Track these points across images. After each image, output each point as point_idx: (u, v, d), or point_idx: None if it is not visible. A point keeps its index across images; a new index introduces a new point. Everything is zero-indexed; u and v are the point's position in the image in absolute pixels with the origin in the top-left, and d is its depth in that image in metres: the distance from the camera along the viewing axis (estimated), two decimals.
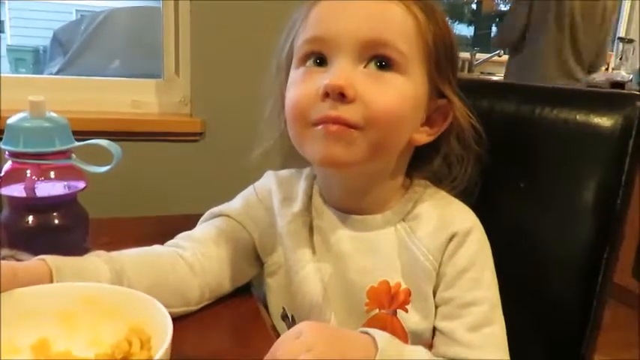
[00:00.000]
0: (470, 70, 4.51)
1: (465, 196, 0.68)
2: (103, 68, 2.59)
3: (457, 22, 5.81)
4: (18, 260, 0.57)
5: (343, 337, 0.50)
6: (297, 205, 0.67)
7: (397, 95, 0.57)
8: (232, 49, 1.27)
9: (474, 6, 5.79)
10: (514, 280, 0.73)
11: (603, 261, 0.69)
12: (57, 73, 2.72)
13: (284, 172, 0.72)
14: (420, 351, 0.55)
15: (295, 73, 0.60)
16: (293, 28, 0.62)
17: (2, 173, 0.63)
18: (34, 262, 0.53)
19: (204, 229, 0.70)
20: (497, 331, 0.59)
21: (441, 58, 0.61)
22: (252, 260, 0.70)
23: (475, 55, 4.53)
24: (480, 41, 5.39)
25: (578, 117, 0.73)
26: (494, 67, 4.61)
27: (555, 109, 0.75)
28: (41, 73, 4.68)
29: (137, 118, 1.27)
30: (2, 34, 6.81)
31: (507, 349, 0.60)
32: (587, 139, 0.72)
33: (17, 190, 0.64)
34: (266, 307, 0.71)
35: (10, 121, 0.61)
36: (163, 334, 0.43)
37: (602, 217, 0.69)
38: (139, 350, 0.46)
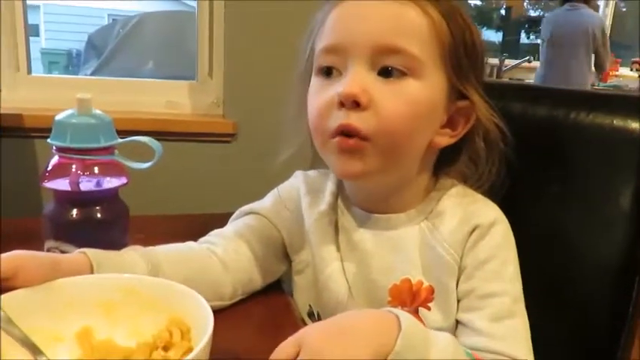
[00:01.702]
0: (498, 77, 4.46)
1: (491, 195, 0.67)
2: (135, 71, 2.64)
3: (485, 28, 5.76)
4: (62, 252, 0.61)
5: (347, 332, 0.48)
6: (324, 204, 0.68)
7: (410, 102, 0.57)
8: (265, 51, 1.29)
9: (502, 12, 5.73)
10: (546, 285, 0.73)
11: (637, 265, 0.68)
12: (91, 75, 2.80)
13: (312, 173, 0.73)
14: (445, 335, 0.53)
15: (314, 82, 0.62)
16: (313, 31, 0.63)
17: (49, 167, 0.65)
18: (76, 255, 0.55)
19: (236, 226, 0.71)
20: (519, 325, 0.58)
21: (460, 58, 0.60)
22: (282, 257, 0.71)
23: (504, 61, 4.49)
24: (509, 47, 5.33)
25: (614, 122, 0.73)
26: (523, 73, 4.57)
27: (591, 113, 0.75)
28: (74, 75, 4.83)
29: (171, 119, 1.30)
30: (37, 38, 7.01)
31: (531, 346, 0.58)
32: (623, 144, 0.71)
33: (62, 184, 0.66)
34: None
35: (58, 117, 0.63)
36: (204, 325, 0.44)
37: (638, 222, 0.68)
38: (180, 340, 0.47)
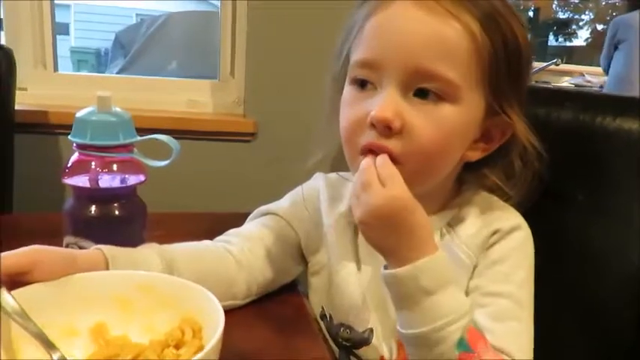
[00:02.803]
0: None
1: (517, 206, 0.66)
2: (161, 69, 2.68)
3: None
4: (81, 247, 0.62)
5: (409, 229, 0.53)
6: (344, 206, 0.68)
7: (444, 127, 0.56)
8: (287, 51, 1.30)
9: (530, 13, 5.67)
10: (569, 294, 0.73)
11: None
12: (117, 73, 2.86)
13: (333, 175, 0.73)
14: (462, 298, 0.55)
15: (347, 91, 0.61)
16: (350, 35, 0.62)
17: (69, 164, 0.67)
18: (92, 251, 0.56)
19: (253, 226, 0.72)
20: (523, 330, 0.58)
21: (500, 78, 0.58)
22: (298, 258, 0.72)
23: None
24: (537, 49, 5.30)
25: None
26: (549, 76, 4.50)
27: (618, 117, 0.73)
28: (102, 73, 4.97)
29: (192, 117, 1.32)
30: (66, 37, 7.16)
31: (531, 355, 0.57)
32: None
33: (82, 181, 0.68)
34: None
35: (78, 114, 0.65)
36: (215, 325, 0.44)
37: None
38: (191, 339, 0.47)
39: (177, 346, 0.48)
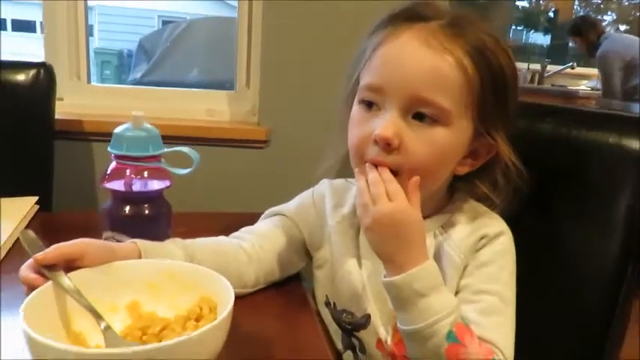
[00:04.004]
0: (540, 83, 4.33)
1: (500, 213, 0.73)
2: (183, 74, 2.72)
3: (533, 31, 5.55)
4: (117, 241, 0.70)
5: (407, 240, 0.61)
6: (347, 209, 0.75)
7: (436, 146, 0.62)
8: (297, 66, 1.33)
9: (551, 14, 5.49)
10: (545, 287, 0.78)
11: (627, 273, 0.71)
12: (141, 78, 2.92)
13: (338, 181, 0.79)
14: (451, 298, 0.61)
15: (356, 110, 0.67)
16: (361, 60, 0.68)
17: (108, 171, 0.76)
18: (128, 244, 0.64)
19: (264, 225, 0.79)
20: (506, 323, 0.64)
21: (487, 106, 0.64)
22: (302, 254, 0.79)
23: (546, 67, 4.36)
24: (556, 51, 5.11)
25: (610, 139, 0.76)
26: (565, 79, 4.41)
27: (591, 131, 0.78)
28: (124, 74, 4.88)
29: (211, 126, 1.36)
30: (90, 38, 7.23)
31: (513, 346, 0.63)
32: (618, 161, 0.74)
33: (118, 185, 0.76)
34: (313, 296, 0.79)
35: (116, 130, 0.74)
36: (227, 303, 0.51)
37: (629, 234, 0.71)
38: (208, 314, 0.55)
39: (196, 320, 0.55)
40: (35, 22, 8.73)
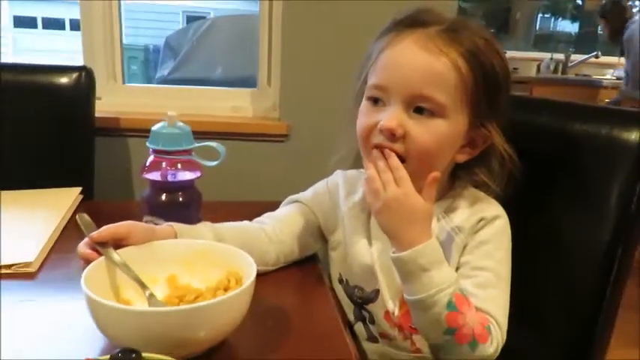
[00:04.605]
0: (564, 72, 4.27)
1: (497, 199, 0.79)
2: (208, 71, 2.75)
3: (560, 19, 5.44)
4: (156, 224, 0.77)
5: (412, 220, 0.67)
6: (358, 196, 0.82)
7: (435, 136, 0.69)
8: (315, 65, 1.38)
9: (579, 1, 5.37)
10: (541, 269, 0.83)
11: (617, 258, 0.76)
12: (168, 75, 2.93)
13: (351, 172, 0.85)
14: (451, 273, 0.67)
15: (364, 105, 0.74)
16: (368, 62, 0.75)
17: (147, 164, 0.84)
18: (165, 227, 0.72)
19: (283, 211, 0.86)
20: (500, 296, 0.70)
21: (481, 102, 0.71)
22: (318, 237, 0.86)
23: (570, 56, 4.29)
24: (583, 39, 5.00)
25: (603, 131, 0.80)
26: (590, 69, 4.30)
27: (585, 124, 0.83)
28: (150, 70, 4.89)
29: (235, 121, 1.42)
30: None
31: (507, 318, 0.69)
32: (612, 152, 0.79)
33: (156, 176, 0.84)
34: (328, 275, 0.86)
35: (154, 128, 0.82)
36: (250, 275, 0.58)
37: (620, 220, 0.76)
38: (235, 285, 0.62)
39: (225, 290, 0.61)
40: (64, 19, 8.88)
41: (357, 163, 0.83)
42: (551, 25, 5.54)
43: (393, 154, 0.68)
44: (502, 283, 0.71)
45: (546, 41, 5.19)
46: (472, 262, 0.72)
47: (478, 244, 0.73)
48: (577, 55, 4.33)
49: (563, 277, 0.82)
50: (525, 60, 4.28)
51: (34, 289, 0.72)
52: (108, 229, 0.65)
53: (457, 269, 0.73)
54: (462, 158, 0.75)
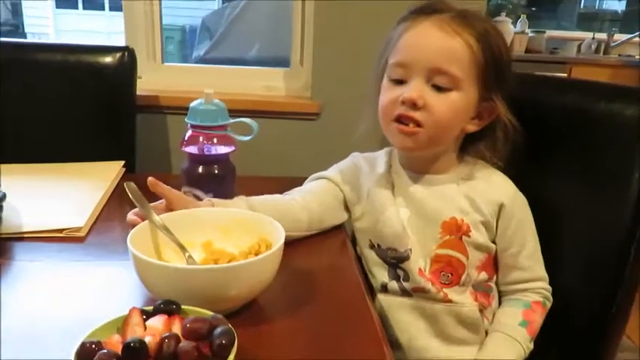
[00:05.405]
0: (606, 52, 4.12)
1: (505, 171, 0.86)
2: (243, 51, 2.79)
3: None
4: (194, 195, 0.85)
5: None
6: (381, 169, 0.89)
7: (451, 107, 0.78)
8: (346, 45, 1.41)
9: None
10: (563, 248, 0.86)
11: (636, 239, 0.77)
12: (204, 55, 3.01)
13: (368, 153, 0.94)
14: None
15: (386, 82, 0.83)
16: (388, 46, 0.83)
17: (186, 138, 0.90)
18: (205, 202, 0.79)
19: (311, 185, 0.92)
20: (541, 262, 0.85)
21: (490, 77, 0.80)
22: (342, 208, 0.92)
23: (613, 35, 4.14)
24: (631, 18, 4.72)
25: (627, 111, 0.81)
26: (636, 48, 4.18)
27: (607, 103, 0.84)
28: (187, 50, 4.95)
29: (268, 100, 1.46)
30: None
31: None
32: (632, 132, 0.79)
33: (193, 149, 0.90)
34: (353, 242, 0.91)
35: (192, 105, 0.88)
36: (279, 240, 0.63)
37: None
38: (265, 250, 0.66)
39: (256, 254, 0.65)
40: (104, 1, 9.02)
41: (382, 141, 0.90)
42: (597, 3, 5.36)
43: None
44: (538, 253, 0.85)
45: (591, 20, 5.03)
46: (516, 241, 0.84)
47: (515, 229, 0.83)
48: (621, 35, 4.15)
49: (583, 256, 0.85)
50: (566, 39, 4.15)
51: (83, 252, 0.79)
52: (163, 187, 0.74)
53: (503, 252, 0.85)
54: (471, 128, 0.84)
